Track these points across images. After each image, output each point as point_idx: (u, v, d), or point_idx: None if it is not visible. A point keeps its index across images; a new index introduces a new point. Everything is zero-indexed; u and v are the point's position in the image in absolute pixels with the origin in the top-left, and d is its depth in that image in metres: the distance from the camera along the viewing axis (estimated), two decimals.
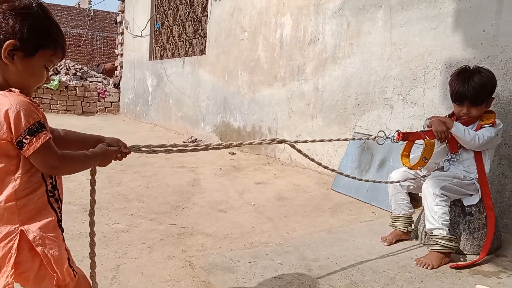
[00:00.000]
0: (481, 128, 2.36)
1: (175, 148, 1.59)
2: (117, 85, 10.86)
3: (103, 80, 12.13)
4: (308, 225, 2.88)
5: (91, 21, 24.05)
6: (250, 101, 5.75)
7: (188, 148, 1.63)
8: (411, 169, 2.51)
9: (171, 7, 8.45)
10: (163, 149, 1.57)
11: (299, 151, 1.99)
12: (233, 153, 5.51)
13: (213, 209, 3.22)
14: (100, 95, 10.61)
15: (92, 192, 1.48)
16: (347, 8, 4.18)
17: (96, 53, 24.52)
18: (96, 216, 2.98)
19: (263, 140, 1.79)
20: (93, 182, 1.47)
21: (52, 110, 10.01)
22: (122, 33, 10.64)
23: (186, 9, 7.85)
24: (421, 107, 3.42)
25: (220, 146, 1.66)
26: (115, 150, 1.36)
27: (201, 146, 1.63)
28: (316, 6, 4.57)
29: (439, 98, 3.27)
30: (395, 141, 2.33)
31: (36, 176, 1.14)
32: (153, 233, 2.69)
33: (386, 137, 2.29)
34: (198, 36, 7.47)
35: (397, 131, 2.35)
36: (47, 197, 1.17)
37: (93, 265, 1.55)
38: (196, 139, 6.61)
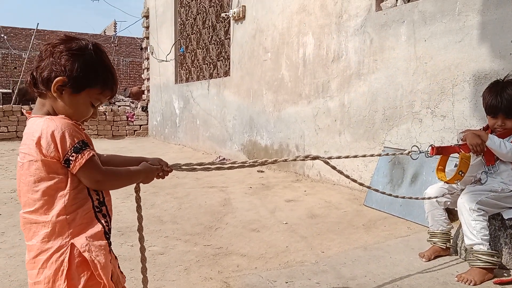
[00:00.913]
0: None
1: (213, 166, 1.64)
2: (145, 109, 11.14)
3: (130, 104, 12.47)
4: (342, 243, 2.87)
5: (116, 47, 24.88)
6: (276, 119, 5.81)
7: (226, 166, 1.67)
8: (447, 183, 2.48)
9: (194, 31, 8.68)
10: (202, 167, 1.62)
11: (334, 168, 2.01)
12: (262, 171, 5.55)
13: (245, 228, 3.25)
14: (129, 118, 10.90)
15: (138, 208, 1.56)
16: (369, 25, 4.21)
17: (122, 78, 25.25)
18: (133, 239, 3.08)
19: (297, 157, 1.82)
20: (138, 199, 1.55)
21: None
22: (147, 58, 10.96)
23: (209, 33, 8.06)
24: (451, 119, 3.39)
25: (256, 164, 1.69)
26: (158, 168, 1.42)
27: (238, 163, 1.69)
28: (338, 25, 4.63)
29: (469, 110, 3.24)
30: (429, 155, 2.32)
31: (83, 193, 1.22)
32: (188, 254, 2.74)
33: (420, 152, 2.28)
34: (222, 58, 7.64)
35: (430, 145, 2.35)
36: (94, 212, 1.23)
37: (144, 280, 1.64)
38: (224, 158, 6.69)
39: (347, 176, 2.10)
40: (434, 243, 2.55)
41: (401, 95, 3.88)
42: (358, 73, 4.38)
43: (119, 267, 1.37)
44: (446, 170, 2.53)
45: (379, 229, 3.15)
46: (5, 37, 22.32)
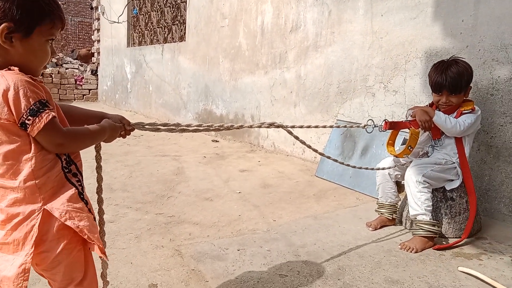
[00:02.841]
0: (461, 114, 2.46)
1: (177, 128, 1.57)
2: (94, 72, 10.64)
3: (79, 66, 11.85)
4: (293, 212, 2.93)
5: (64, 6, 23.35)
6: (232, 88, 5.74)
7: (191, 128, 1.59)
8: (396, 157, 2.58)
9: None
10: (166, 128, 1.54)
11: (296, 138, 2.03)
12: (217, 141, 5.51)
13: (198, 197, 3.24)
14: (78, 82, 10.38)
15: (98, 168, 1.49)
16: None
17: (70, 39, 23.85)
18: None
19: (263, 123, 1.79)
20: (98, 158, 1.48)
21: None
22: (98, 19, 10.39)
23: None
24: (402, 95, 3.49)
25: (221, 128, 1.64)
26: (121, 126, 1.35)
27: (203, 126, 1.61)
28: None
29: (420, 86, 3.35)
30: (383, 130, 2.41)
31: (51, 154, 1.14)
32: (139, 222, 2.69)
33: (375, 126, 2.37)
34: (177, 22, 7.37)
35: (384, 120, 2.43)
36: (64, 173, 1.16)
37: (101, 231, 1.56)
38: None
39: (309, 146, 2.12)
40: (381, 213, 2.66)
41: (356, 69, 3.93)
42: (315, 45, 4.38)
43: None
44: (396, 146, 2.63)
45: (329, 199, 3.25)
46: None
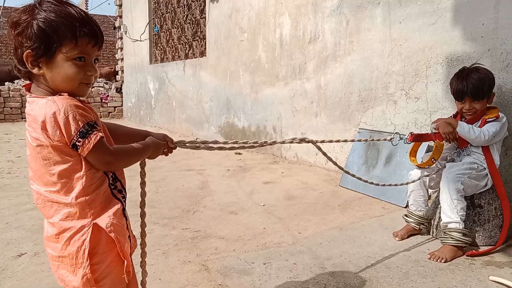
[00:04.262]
0: (485, 123, 2.42)
1: (215, 146, 1.63)
2: (119, 90, 10.91)
3: (104, 85, 12.17)
4: (319, 224, 2.93)
5: None
6: (253, 101, 5.79)
7: (227, 146, 1.65)
8: (418, 167, 2.57)
9: (169, 10, 8.48)
10: (205, 145, 1.58)
11: (324, 154, 2.10)
12: (239, 153, 5.56)
13: (223, 211, 3.27)
14: (103, 100, 10.67)
15: (143, 184, 1.57)
16: (345, 6, 4.21)
17: None
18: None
19: (294, 139, 1.81)
20: (143, 174, 1.55)
21: None
22: (121, 38, 10.68)
23: (184, 12, 7.89)
24: (424, 101, 3.46)
25: (255, 145, 1.67)
26: (164, 144, 1.39)
27: (239, 143, 1.65)
28: (314, 5, 4.60)
29: (442, 92, 3.31)
30: (408, 142, 2.43)
31: (99, 172, 1.20)
32: (167, 238, 2.74)
33: (400, 138, 2.39)
34: (197, 38, 7.51)
35: (410, 133, 2.44)
36: (110, 190, 1.23)
37: (143, 254, 1.69)
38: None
39: (335, 163, 2.16)
40: (408, 222, 2.63)
41: (376, 77, 3.92)
42: (334, 55, 4.39)
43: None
44: (420, 155, 2.62)
45: (355, 210, 3.23)
46: None
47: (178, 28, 8.18)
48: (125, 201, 1.29)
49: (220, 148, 1.63)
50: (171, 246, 2.61)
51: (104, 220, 1.19)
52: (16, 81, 12.30)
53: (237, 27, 6.07)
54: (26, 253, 2.52)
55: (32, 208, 3.37)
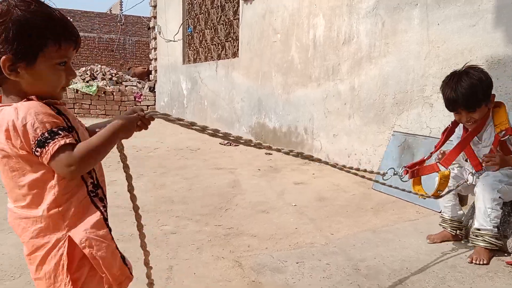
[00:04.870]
0: (499, 139, 2.24)
1: (195, 127, 1.35)
2: (152, 89, 11.15)
3: (137, 84, 12.46)
4: (351, 226, 2.91)
5: (122, 26, 24.72)
6: (285, 102, 5.80)
7: (208, 132, 1.37)
8: (425, 197, 2.35)
9: (202, 11, 8.60)
10: (182, 122, 1.34)
11: (334, 166, 1.95)
12: (270, 154, 5.57)
13: (254, 210, 3.30)
14: (137, 99, 10.92)
15: (126, 168, 1.37)
16: (381, 7, 4.16)
17: (128, 57, 25.16)
18: (145, 218, 3.11)
19: (312, 157, 1.71)
20: (123, 158, 1.36)
21: (92, 115, 10.40)
22: (155, 38, 10.90)
23: (218, 13, 7.98)
24: None
25: (251, 144, 1.50)
26: (136, 117, 1.18)
27: (221, 133, 1.40)
28: (349, 7, 4.57)
29: None
30: (404, 179, 2.23)
31: (76, 179, 1.10)
32: (200, 234, 2.79)
33: (394, 174, 2.16)
34: (230, 39, 7.58)
35: (404, 167, 2.26)
36: (90, 197, 1.12)
37: (146, 254, 1.54)
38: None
39: (357, 173, 2.07)
40: (444, 228, 2.57)
41: (412, 79, 3.85)
42: (369, 56, 4.35)
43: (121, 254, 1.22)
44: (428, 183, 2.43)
45: (388, 213, 3.19)
46: None
47: (211, 29, 8.28)
48: (106, 211, 1.17)
49: (200, 131, 1.36)
50: (205, 242, 2.65)
51: (79, 234, 1.07)
52: None
53: (270, 28, 6.10)
54: None
55: None
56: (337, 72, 4.81)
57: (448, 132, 2.49)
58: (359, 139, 4.45)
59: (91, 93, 10.28)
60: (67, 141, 1.02)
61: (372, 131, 4.30)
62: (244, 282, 2.11)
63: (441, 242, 2.54)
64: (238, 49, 7.14)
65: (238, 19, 7.06)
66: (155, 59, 11.09)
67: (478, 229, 2.28)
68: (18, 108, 1.02)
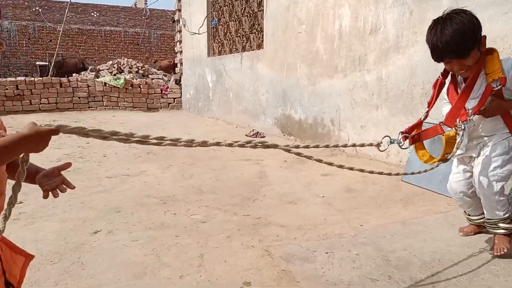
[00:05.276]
0: (492, 89, 1.98)
1: (116, 136, 1.11)
2: (178, 82, 11.26)
3: (163, 77, 12.62)
4: (380, 217, 2.89)
5: (147, 20, 25.00)
6: (311, 93, 5.78)
7: (135, 139, 1.15)
8: (429, 163, 2.13)
9: (226, 3, 8.61)
10: (99, 134, 1.09)
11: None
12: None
13: (282, 201, 3.32)
14: (163, 91, 11.05)
15: (16, 186, 1.06)
16: None
17: (154, 51, 25.46)
18: (175, 207, 3.20)
19: (257, 144, 1.40)
20: (20, 173, 1.05)
21: (120, 107, 10.61)
22: (180, 31, 10.99)
23: (242, 5, 7.98)
24: None
25: (194, 144, 1.27)
26: (46, 129, 1.00)
27: (151, 138, 1.19)
28: None
29: None
30: (402, 145, 2.01)
31: None
32: (229, 223, 2.84)
33: (391, 142, 1.94)
34: (254, 31, 7.58)
35: (401, 133, 2.02)
36: None
37: None
38: (258, 132, 6.74)
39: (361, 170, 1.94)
40: (470, 221, 2.52)
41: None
42: (397, 46, 4.27)
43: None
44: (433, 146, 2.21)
45: (418, 205, 3.15)
46: (40, 10, 22.79)
47: (235, 21, 8.29)
48: None
49: (124, 140, 1.13)
50: (234, 231, 2.70)
51: None
52: (82, 73, 13.06)
53: (295, 19, 6.06)
54: (101, 230, 2.71)
55: (102, 190, 3.60)
56: (363, 63, 4.75)
57: (440, 85, 2.24)
58: (387, 130, 4.39)
59: (118, 86, 10.47)
60: None
61: (400, 121, 4.24)
62: (274, 271, 2.14)
63: (474, 234, 2.50)
64: (262, 41, 7.12)
65: (263, 10, 7.04)
66: (181, 52, 11.18)
67: (490, 219, 2.23)
68: None
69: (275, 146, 1.46)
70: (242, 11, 7.98)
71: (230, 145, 1.37)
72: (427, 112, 2.27)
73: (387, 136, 1.96)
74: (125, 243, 2.52)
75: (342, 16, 5.08)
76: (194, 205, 3.22)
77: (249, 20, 7.75)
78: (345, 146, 1.84)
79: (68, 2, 15.71)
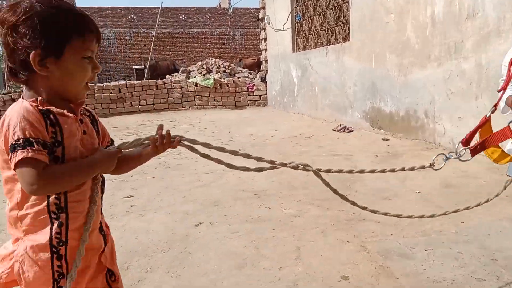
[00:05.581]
0: None
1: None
2: (263, 79, 11.50)
3: (249, 75, 12.96)
4: (484, 214, 2.74)
5: (231, 19, 25.75)
6: (402, 84, 5.57)
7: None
8: (500, 162, 1.81)
9: None
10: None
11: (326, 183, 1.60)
12: (387, 139, 5.44)
13: (376, 196, 3.28)
14: (249, 89, 11.37)
15: (92, 204, 1.13)
16: None
17: (238, 49, 26.17)
18: (269, 201, 3.33)
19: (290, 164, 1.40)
20: (94, 191, 1.14)
21: (210, 106, 11.13)
22: (264, 29, 11.19)
23: None
24: None
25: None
26: (115, 152, 1.14)
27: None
28: None
29: None
30: (465, 158, 1.63)
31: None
32: (322, 218, 2.88)
33: (447, 158, 1.62)
34: (340, 23, 7.47)
35: (461, 143, 1.69)
36: (50, 218, 1.06)
37: None
38: (345, 127, 6.66)
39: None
40: None
41: None
42: (498, 30, 3.97)
43: None
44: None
45: None
46: (135, 17, 24.64)
47: (320, 15, 8.24)
48: (59, 239, 1.07)
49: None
50: (328, 226, 2.74)
51: (23, 245, 1.05)
52: (174, 74, 13.90)
53: (382, 8, 5.88)
54: (203, 222, 2.92)
55: (201, 185, 3.86)
56: (460, 50, 4.47)
57: None
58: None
59: (208, 86, 10.99)
60: (31, 155, 0.97)
61: None
62: (372, 266, 2.16)
63: None
64: (348, 33, 7.01)
65: (348, 2, 6.92)
66: (265, 50, 11.39)
67: None
68: (15, 106, 1.03)
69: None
70: (327, 4, 7.91)
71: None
72: (495, 105, 1.91)
73: (441, 153, 1.65)
74: (225, 235, 2.69)
75: (434, 2, 4.83)
76: (287, 199, 3.32)
77: (334, 13, 7.66)
78: (393, 171, 1.64)
79: (159, 8, 16.78)
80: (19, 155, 0.97)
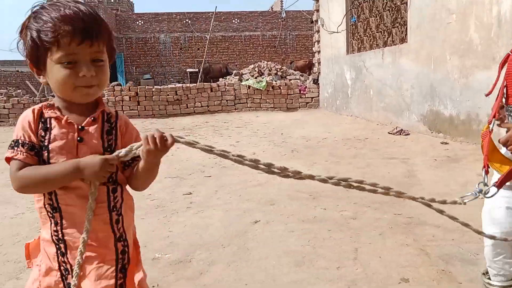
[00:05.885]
0: None
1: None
2: (316, 81, 11.47)
3: (300, 77, 12.97)
4: None
5: (283, 22, 25.85)
6: (463, 86, 5.37)
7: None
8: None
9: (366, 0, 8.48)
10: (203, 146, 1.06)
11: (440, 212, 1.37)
12: (446, 143, 5.26)
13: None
14: (301, 91, 11.38)
15: (89, 211, 1.08)
16: None
17: (289, 52, 26.23)
18: (324, 203, 3.35)
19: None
20: (91, 203, 1.08)
21: (262, 108, 11.26)
22: (318, 31, 11.16)
23: (383, 0, 7.77)
24: None
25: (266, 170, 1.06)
26: (102, 161, 1.05)
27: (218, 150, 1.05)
28: None
29: None
30: (491, 194, 1.48)
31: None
32: (380, 221, 2.86)
33: (476, 196, 1.47)
34: (397, 24, 7.32)
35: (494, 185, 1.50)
36: (48, 216, 1.12)
37: None
38: (401, 130, 6.51)
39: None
40: None
41: None
42: None
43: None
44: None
45: None
46: (189, 21, 25.38)
47: (376, 17, 8.11)
48: (58, 238, 1.11)
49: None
50: (386, 228, 2.72)
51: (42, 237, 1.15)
52: (227, 77, 14.19)
53: (443, 9, 5.70)
54: (259, 220, 2.99)
55: (257, 184, 3.94)
56: None
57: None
58: None
59: (261, 88, 11.12)
60: (12, 155, 1.05)
61: None
62: (433, 270, 2.12)
63: None
64: (406, 34, 6.85)
65: (406, 3, 6.76)
66: (318, 52, 11.35)
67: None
68: (31, 108, 1.13)
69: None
70: (384, 5, 7.78)
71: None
72: (493, 114, 1.64)
73: (468, 195, 1.46)
74: (282, 233, 2.74)
75: (501, 1, 4.62)
76: (343, 201, 3.32)
77: (391, 14, 7.52)
78: (414, 199, 1.28)
79: (213, 12, 17.18)
80: (6, 153, 1.06)
